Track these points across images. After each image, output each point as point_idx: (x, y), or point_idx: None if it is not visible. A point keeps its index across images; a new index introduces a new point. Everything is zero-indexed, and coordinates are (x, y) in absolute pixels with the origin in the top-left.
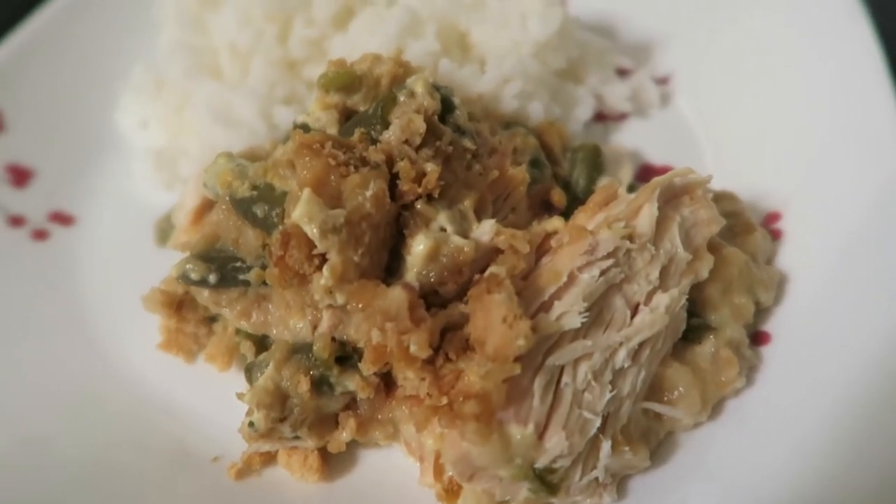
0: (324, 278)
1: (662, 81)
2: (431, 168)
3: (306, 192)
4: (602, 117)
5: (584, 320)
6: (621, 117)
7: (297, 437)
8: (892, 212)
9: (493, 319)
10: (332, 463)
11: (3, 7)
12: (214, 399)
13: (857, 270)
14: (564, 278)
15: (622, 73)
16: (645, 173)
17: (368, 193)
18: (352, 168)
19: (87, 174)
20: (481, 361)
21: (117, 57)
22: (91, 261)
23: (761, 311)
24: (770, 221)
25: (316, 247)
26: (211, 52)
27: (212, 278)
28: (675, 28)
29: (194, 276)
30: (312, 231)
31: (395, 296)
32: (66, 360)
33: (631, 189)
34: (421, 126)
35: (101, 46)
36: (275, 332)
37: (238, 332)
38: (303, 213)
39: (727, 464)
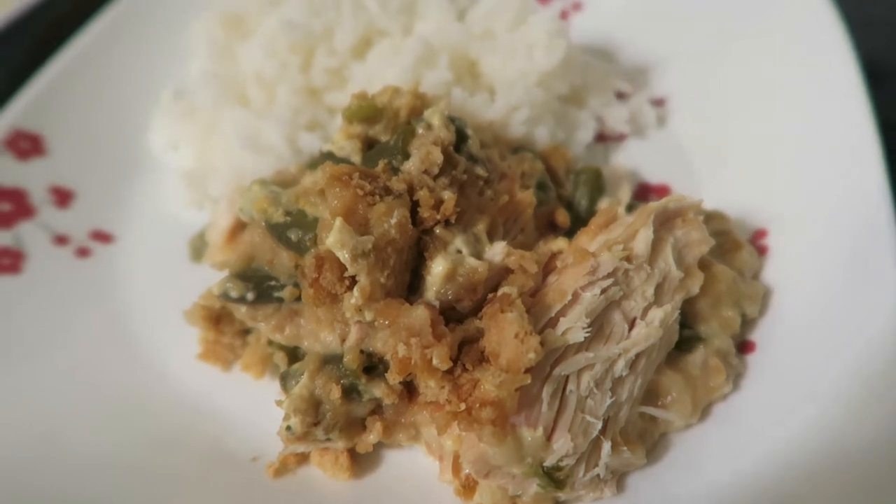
0: (354, 298)
1: (659, 103)
2: (448, 196)
3: (338, 220)
4: (602, 138)
5: (587, 334)
6: (620, 138)
7: (329, 439)
8: (869, 229)
9: (506, 335)
10: (361, 462)
11: (38, 37)
12: (250, 404)
13: (837, 284)
14: (569, 297)
15: (620, 96)
16: (642, 192)
17: (393, 221)
18: (377, 197)
19: (123, 194)
20: (496, 372)
21: (149, 82)
22: (131, 276)
23: (747, 323)
24: (757, 238)
25: (347, 269)
26: (238, 81)
27: (249, 296)
28: (670, 53)
29: (234, 294)
30: (344, 256)
31: (419, 314)
32: (111, 369)
33: (630, 208)
34: (438, 157)
35: (133, 72)
36: (306, 343)
37: (271, 343)
38: (336, 240)
39: (715, 461)
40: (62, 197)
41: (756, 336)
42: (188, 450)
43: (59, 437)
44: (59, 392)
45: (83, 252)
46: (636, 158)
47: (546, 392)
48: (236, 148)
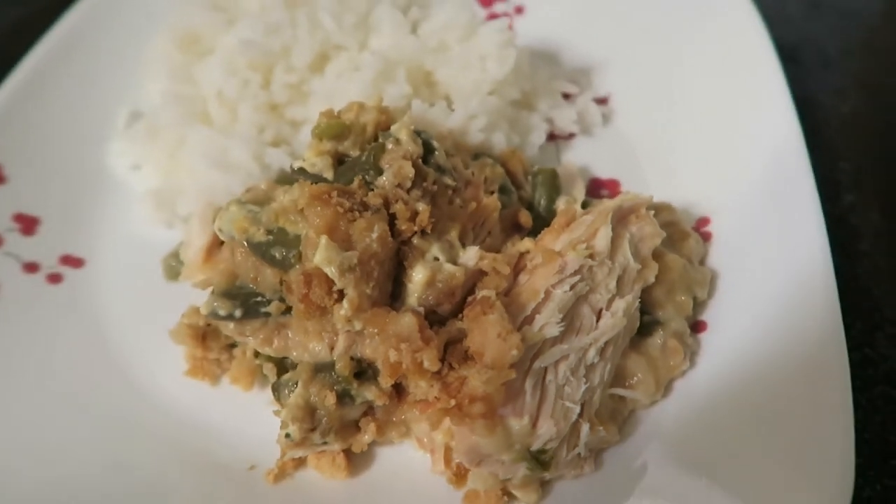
0: (343, 310)
1: (602, 102)
2: (423, 208)
3: (324, 239)
4: (553, 137)
5: (561, 328)
6: (569, 137)
7: (325, 443)
8: (796, 208)
9: (489, 335)
10: (356, 461)
11: None
12: (241, 416)
13: (773, 263)
14: (542, 295)
15: (566, 97)
16: (594, 187)
17: (374, 235)
18: (356, 213)
19: (88, 217)
20: (481, 369)
21: (102, 103)
22: (106, 299)
23: (698, 305)
24: (701, 225)
25: (334, 284)
26: (199, 100)
27: (237, 313)
28: (608, 54)
29: (222, 312)
30: (332, 272)
31: (407, 321)
32: (98, 393)
33: (585, 204)
34: (410, 171)
35: (86, 93)
36: (294, 354)
37: (258, 355)
38: (323, 257)
39: (678, 431)
40: (27, 224)
41: (707, 316)
42: (186, 465)
43: (52, 466)
44: (46, 421)
45: (55, 278)
46: (585, 155)
47: (528, 384)
48: (203, 167)
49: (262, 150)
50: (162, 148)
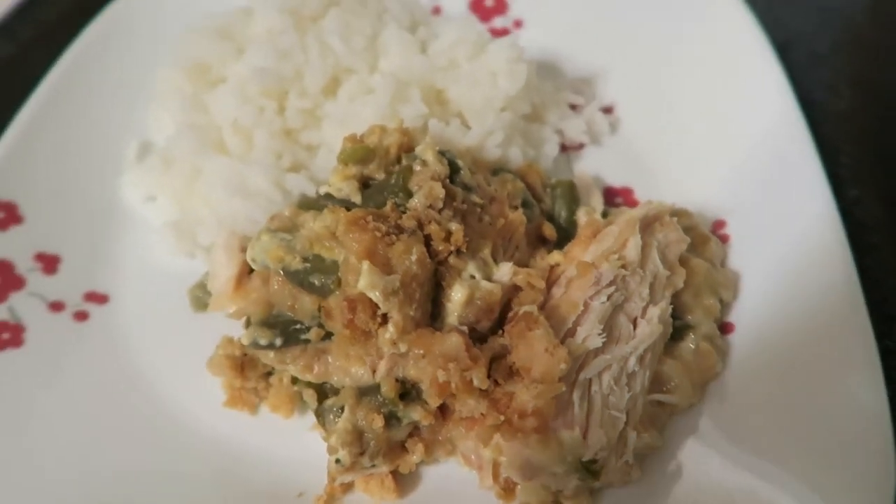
0: (389, 333)
1: (607, 111)
2: (456, 227)
3: (366, 264)
4: (563, 149)
5: (603, 339)
6: (579, 147)
7: (374, 465)
8: (809, 208)
9: (536, 350)
10: (403, 482)
11: None
12: (284, 443)
13: (792, 260)
14: (581, 307)
15: (573, 107)
16: (608, 195)
17: (413, 258)
18: (393, 237)
19: (108, 252)
20: (530, 384)
21: (110, 134)
22: (134, 333)
23: (724, 307)
24: (717, 228)
25: (378, 308)
26: (213, 129)
27: (277, 341)
28: (610, 63)
29: (263, 341)
30: (376, 296)
31: (454, 341)
32: (137, 429)
33: (604, 214)
34: (441, 192)
35: (93, 126)
36: (335, 379)
37: (296, 381)
38: (367, 282)
39: (714, 432)
40: (48, 262)
41: (733, 317)
42: (234, 496)
43: None
44: (86, 462)
45: (81, 316)
46: (596, 165)
47: (576, 396)
48: (223, 195)
49: (282, 176)
50: (177, 178)
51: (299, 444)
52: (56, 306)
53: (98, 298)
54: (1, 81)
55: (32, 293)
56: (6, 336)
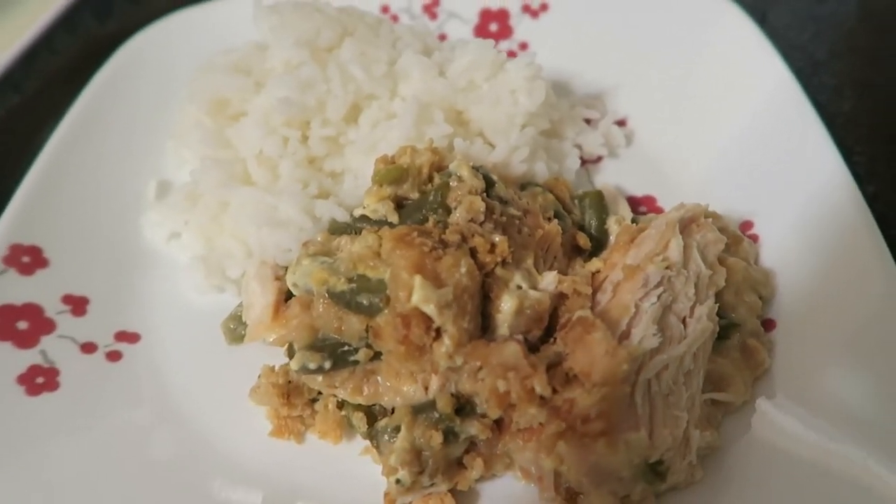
0: (444, 346)
1: (621, 123)
2: (500, 239)
3: (418, 279)
4: (582, 162)
5: (659, 340)
6: (598, 160)
7: (433, 484)
8: (835, 199)
9: (595, 354)
10: (462, 499)
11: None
12: (336, 469)
13: (824, 252)
14: (633, 309)
15: (587, 122)
16: (632, 204)
17: (463, 270)
18: (439, 251)
19: (135, 290)
20: (591, 388)
21: (128, 174)
22: (169, 370)
23: (764, 303)
24: (745, 229)
25: (432, 322)
26: (238, 162)
27: (327, 364)
28: (617, 78)
29: (312, 365)
30: (431, 310)
31: (512, 350)
32: (181, 466)
33: (633, 222)
34: (481, 205)
35: (112, 167)
36: (386, 399)
37: (344, 405)
38: (421, 296)
39: (765, 424)
40: (77, 304)
41: (773, 313)
42: None
43: None
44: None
45: (114, 356)
46: (616, 176)
47: (638, 397)
48: (252, 227)
49: (311, 204)
50: (203, 213)
51: (349, 470)
52: (88, 347)
53: (129, 338)
54: (6, 131)
55: (63, 335)
56: (41, 380)
